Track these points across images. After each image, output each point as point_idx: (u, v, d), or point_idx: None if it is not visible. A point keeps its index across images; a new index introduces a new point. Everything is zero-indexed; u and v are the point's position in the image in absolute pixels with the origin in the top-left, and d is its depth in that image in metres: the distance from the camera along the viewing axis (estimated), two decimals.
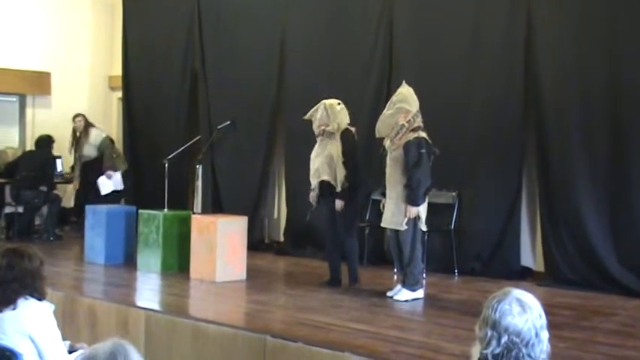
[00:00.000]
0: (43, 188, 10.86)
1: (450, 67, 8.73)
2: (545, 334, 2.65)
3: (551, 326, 2.73)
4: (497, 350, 2.61)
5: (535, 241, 8.40)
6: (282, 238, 10.38)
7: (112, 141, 11.53)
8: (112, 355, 2.15)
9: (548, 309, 2.74)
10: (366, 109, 9.35)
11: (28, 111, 12.23)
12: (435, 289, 7.56)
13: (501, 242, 8.35)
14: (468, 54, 8.62)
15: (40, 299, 4.14)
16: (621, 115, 7.55)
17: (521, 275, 8.18)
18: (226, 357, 5.76)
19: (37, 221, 11.33)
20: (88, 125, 11.30)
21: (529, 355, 2.61)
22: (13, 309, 4.06)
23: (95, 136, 11.21)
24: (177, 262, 8.43)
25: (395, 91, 9.12)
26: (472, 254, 8.50)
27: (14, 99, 12.22)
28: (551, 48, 8.00)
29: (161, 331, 6.23)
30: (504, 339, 2.60)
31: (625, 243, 7.55)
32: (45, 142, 11.14)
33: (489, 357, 2.63)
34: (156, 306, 6.94)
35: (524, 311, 2.63)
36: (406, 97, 7.18)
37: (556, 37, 7.98)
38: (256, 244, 9.88)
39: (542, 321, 2.66)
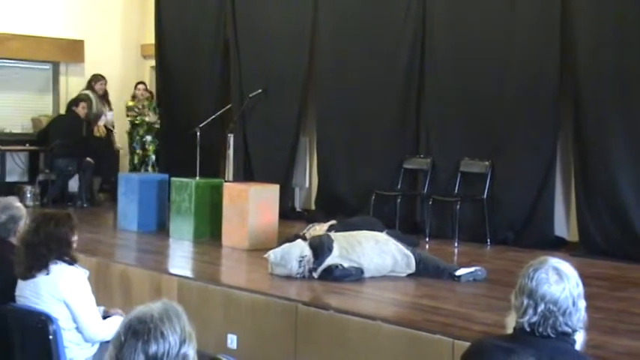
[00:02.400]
0: (76, 156, 11.00)
1: (485, 37, 8.61)
2: (582, 303, 2.62)
3: (586, 297, 2.70)
4: (534, 319, 2.59)
5: (569, 210, 8.32)
6: (313, 207, 10.38)
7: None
8: (165, 312, 2.17)
9: (582, 279, 2.71)
10: (399, 78, 9.29)
11: (62, 79, 12.29)
12: (468, 258, 7.51)
13: (534, 212, 8.27)
14: (504, 22, 8.48)
15: (70, 264, 4.18)
16: None
17: (555, 245, 8.10)
18: (258, 324, 5.78)
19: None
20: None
21: (566, 324, 2.59)
22: (47, 274, 4.10)
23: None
24: (209, 229, 8.46)
25: (428, 61, 9.10)
26: (505, 224, 8.44)
27: (48, 67, 12.28)
28: (588, 17, 7.85)
29: (193, 298, 6.27)
30: (541, 307, 2.58)
31: None
32: (72, 104, 11.29)
33: (526, 325, 2.61)
34: (188, 273, 6.99)
35: (561, 280, 2.60)
36: None
37: (593, 5, 7.83)
38: (287, 212, 9.89)
39: (580, 290, 2.63)
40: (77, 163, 11.01)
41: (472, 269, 6.63)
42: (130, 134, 11.57)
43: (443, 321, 5.17)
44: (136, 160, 11.46)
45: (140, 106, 11.37)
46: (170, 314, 2.17)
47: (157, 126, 11.60)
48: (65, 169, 11.01)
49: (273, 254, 6.50)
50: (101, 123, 11.36)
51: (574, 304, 2.60)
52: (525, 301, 2.61)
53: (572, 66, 7.99)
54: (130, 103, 11.48)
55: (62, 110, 11.87)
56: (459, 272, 6.56)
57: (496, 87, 8.53)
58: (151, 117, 11.36)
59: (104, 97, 11.74)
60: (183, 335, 2.16)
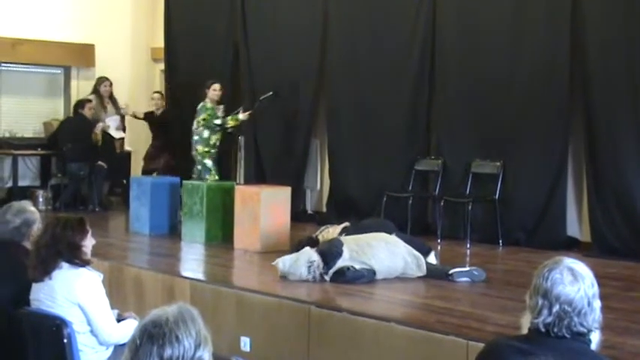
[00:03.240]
0: (88, 160, 11.03)
1: (495, 39, 8.60)
2: (597, 303, 2.62)
3: (600, 297, 2.69)
4: (549, 319, 2.58)
5: (581, 210, 8.29)
6: (324, 209, 10.38)
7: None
8: (181, 315, 2.18)
9: (596, 280, 2.70)
10: (409, 79, 9.29)
11: (73, 83, 12.34)
12: (480, 259, 7.50)
13: (546, 212, 8.25)
14: (513, 21, 8.47)
15: (81, 266, 4.20)
16: None
17: (567, 246, 8.08)
18: (271, 327, 5.79)
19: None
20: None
21: (581, 324, 2.58)
22: (50, 279, 4.13)
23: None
24: (221, 232, 8.47)
25: (438, 62, 9.08)
26: (517, 224, 8.42)
27: (59, 71, 12.34)
28: (598, 13, 7.84)
29: (206, 300, 6.27)
30: (556, 308, 2.57)
31: None
32: (78, 106, 11.27)
33: (541, 326, 2.60)
34: (201, 276, 7.00)
35: (576, 280, 2.60)
36: None
37: (603, 3, 7.81)
38: (299, 214, 9.89)
39: (594, 290, 2.62)
40: (89, 166, 11.05)
41: (467, 269, 6.64)
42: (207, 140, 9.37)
43: (456, 322, 5.16)
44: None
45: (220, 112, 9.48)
46: (185, 318, 2.18)
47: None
48: (77, 173, 11.04)
49: (282, 262, 6.50)
50: (98, 130, 11.23)
51: (589, 304, 2.60)
52: (540, 302, 2.61)
53: (583, 67, 7.98)
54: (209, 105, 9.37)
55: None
56: (452, 270, 6.57)
57: (506, 88, 8.52)
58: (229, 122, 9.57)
59: (111, 100, 11.67)
60: (198, 339, 2.16)
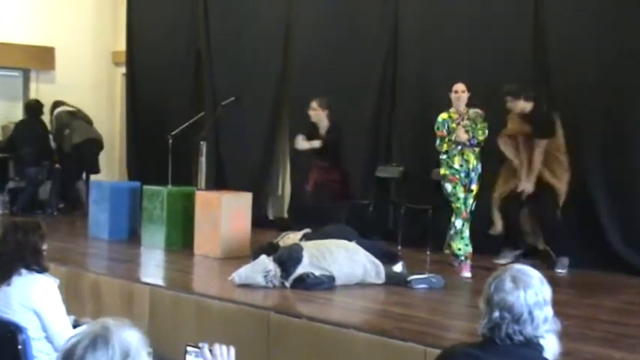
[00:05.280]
0: (46, 163, 10.95)
1: (456, 48, 8.66)
2: (541, 312, 2.62)
3: (555, 304, 2.72)
4: (489, 325, 2.63)
5: None
6: (285, 215, 10.37)
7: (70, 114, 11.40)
8: (92, 343, 2.08)
9: (552, 287, 2.73)
10: (371, 87, 9.34)
11: (32, 86, 12.19)
12: (440, 266, 7.54)
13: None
14: (475, 33, 8.54)
15: (40, 272, 4.15)
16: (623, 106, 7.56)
17: (524, 254, 8.14)
18: (230, 333, 5.76)
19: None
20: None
21: (520, 332, 2.61)
22: (8, 285, 4.08)
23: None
24: (181, 238, 8.41)
25: (400, 71, 9.14)
26: (478, 232, 8.46)
27: (18, 74, 12.18)
28: (560, 30, 7.95)
29: (165, 306, 6.24)
30: (495, 314, 2.61)
31: (630, 221, 7.53)
32: (35, 110, 11.14)
33: (486, 332, 2.65)
34: (160, 282, 6.96)
35: (517, 288, 2.62)
36: None
37: (565, 20, 7.93)
38: (260, 220, 9.86)
39: (538, 298, 2.63)
40: (47, 170, 10.94)
41: (425, 276, 6.69)
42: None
43: (415, 329, 5.19)
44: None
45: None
46: (97, 343, 2.08)
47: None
48: (35, 177, 10.94)
49: (237, 276, 6.46)
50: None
51: (530, 312, 2.61)
52: (485, 308, 2.65)
53: (547, 84, 8.08)
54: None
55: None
56: (410, 278, 6.62)
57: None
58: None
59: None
60: (118, 357, 2.08)
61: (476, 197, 7.32)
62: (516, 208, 7.79)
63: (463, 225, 7.21)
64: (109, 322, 2.14)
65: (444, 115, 7.35)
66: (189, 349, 2.63)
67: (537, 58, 8.17)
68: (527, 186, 7.53)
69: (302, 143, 8.31)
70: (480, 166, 7.30)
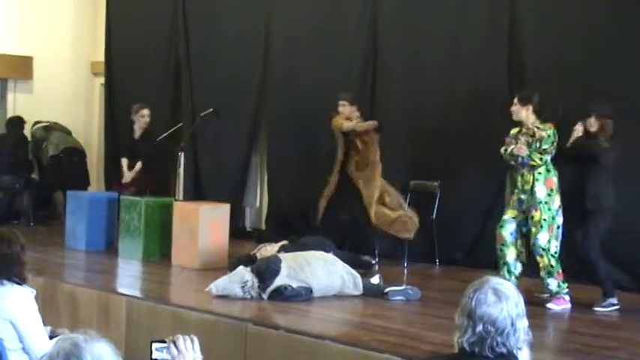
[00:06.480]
0: (23, 173, 10.90)
1: (434, 57, 8.74)
2: (521, 323, 2.66)
3: (531, 316, 2.75)
4: (473, 339, 2.64)
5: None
6: (263, 226, 10.37)
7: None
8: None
9: (529, 299, 2.76)
10: None
11: (10, 95, 12.11)
12: (416, 278, 7.58)
13: (483, 232, 8.36)
14: (452, 45, 8.62)
15: (19, 284, 4.13)
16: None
17: None
18: (207, 344, 5.71)
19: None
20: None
21: (504, 344, 2.63)
22: None
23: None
24: (158, 248, 8.39)
25: (379, 80, 9.19)
26: (454, 244, 8.52)
27: None
28: (535, 35, 8.04)
29: (142, 317, 6.22)
30: (479, 328, 2.63)
31: (610, 234, 7.57)
32: (16, 124, 11.13)
33: (466, 345, 2.66)
34: (137, 293, 6.94)
35: (499, 300, 2.65)
36: None
37: (540, 30, 8.01)
38: (238, 231, 9.86)
39: (519, 310, 2.67)
40: (24, 180, 10.88)
41: (402, 287, 6.72)
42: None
43: (392, 341, 5.21)
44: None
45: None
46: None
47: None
48: (12, 186, 10.87)
49: (214, 287, 6.45)
50: None
51: (512, 324, 2.64)
52: (465, 321, 2.67)
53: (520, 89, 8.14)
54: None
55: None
56: (387, 289, 6.64)
57: (445, 108, 8.65)
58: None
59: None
60: None
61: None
62: None
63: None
64: (78, 338, 2.14)
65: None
66: (155, 345, 2.64)
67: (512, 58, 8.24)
68: None
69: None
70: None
